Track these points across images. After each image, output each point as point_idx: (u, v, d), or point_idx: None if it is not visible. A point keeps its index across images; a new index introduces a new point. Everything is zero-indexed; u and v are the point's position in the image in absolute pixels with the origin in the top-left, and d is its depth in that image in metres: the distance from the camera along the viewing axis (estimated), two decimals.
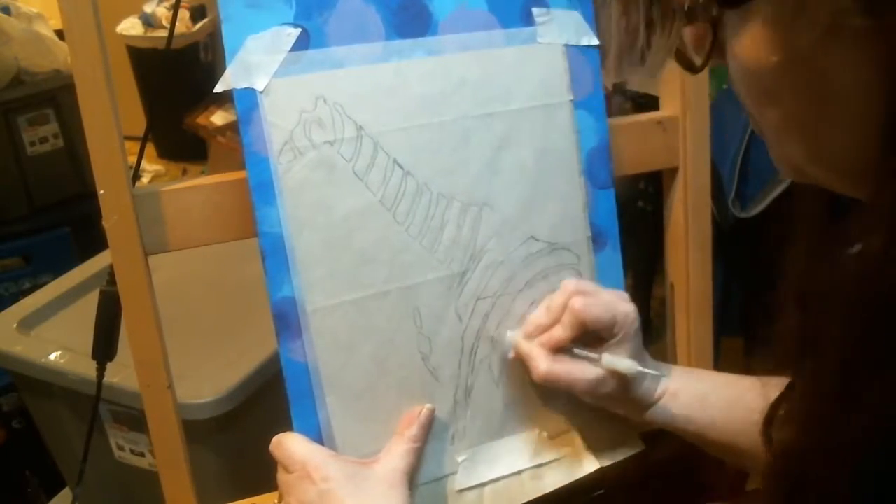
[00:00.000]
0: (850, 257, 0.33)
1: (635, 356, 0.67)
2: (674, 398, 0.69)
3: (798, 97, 0.36)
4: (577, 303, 0.65)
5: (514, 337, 0.68)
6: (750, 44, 0.36)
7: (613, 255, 0.74)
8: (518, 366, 0.70)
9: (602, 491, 0.73)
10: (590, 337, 0.67)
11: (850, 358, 0.34)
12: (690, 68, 0.43)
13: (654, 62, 0.42)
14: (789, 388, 0.47)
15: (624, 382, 0.66)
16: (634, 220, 2.00)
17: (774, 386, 0.47)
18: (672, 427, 0.69)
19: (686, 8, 0.37)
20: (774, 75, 0.36)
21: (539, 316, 0.68)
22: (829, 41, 0.33)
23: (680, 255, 0.80)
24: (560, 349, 0.66)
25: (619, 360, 0.65)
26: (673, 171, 0.79)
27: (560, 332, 0.66)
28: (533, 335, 0.67)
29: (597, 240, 0.72)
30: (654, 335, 2.20)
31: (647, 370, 0.67)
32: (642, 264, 2.13)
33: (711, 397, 0.68)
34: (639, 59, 0.42)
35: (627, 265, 0.74)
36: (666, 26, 0.40)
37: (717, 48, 0.39)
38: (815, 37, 0.33)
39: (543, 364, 0.65)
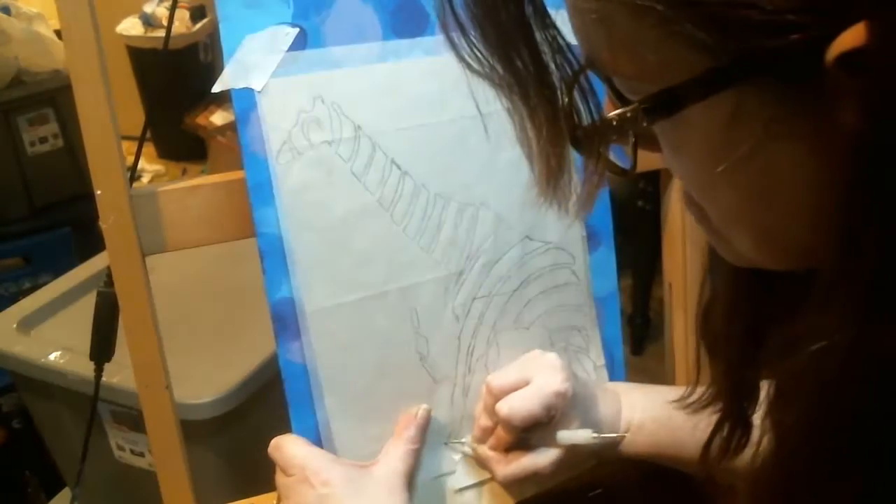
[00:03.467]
0: (810, 354, 0.30)
1: (587, 419, 0.65)
2: (640, 430, 0.67)
3: (742, 194, 0.34)
4: (503, 410, 0.63)
5: (471, 445, 0.68)
6: (686, 149, 0.34)
7: (608, 254, 0.74)
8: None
9: (600, 491, 0.73)
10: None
11: (813, 453, 0.32)
12: (623, 174, 0.39)
13: (588, 191, 0.38)
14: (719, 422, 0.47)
15: (585, 449, 0.65)
16: (634, 220, 2.00)
17: None
18: (642, 458, 0.68)
19: (614, 124, 0.34)
20: (714, 177, 0.33)
21: (483, 421, 0.67)
22: (766, 143, 0.30)
23: (677, 254, 0.80)
24: (513, 445, 0.65)
25: (574, 434, 0.64)
26: (670, 170, 0.79)
27: (504, 435, 0.65)
28: (483, 440, 0.67)
29: (591, 239, 0.73)
30: (654, 335, 2.21)
31: (604, 435, 0.65)
32: (642, 264, 2.13)
33: (677, 419, 0.65)
34: (569, 184, 0.38)
35: (628, 265, 0.74)
36: (593, 148, 0.36)
37: (647, 143, 0.37)
38: (752, 142, 0.31)
39: (498, 471, 0.65)
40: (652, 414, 0.67)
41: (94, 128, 0.62)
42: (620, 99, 0.35)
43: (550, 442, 0.64)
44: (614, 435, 0.66)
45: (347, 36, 0.64)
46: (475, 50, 0.36)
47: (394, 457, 0.64)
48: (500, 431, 0.65)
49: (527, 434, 0.64)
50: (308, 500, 0.60)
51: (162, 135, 2.51)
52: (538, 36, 0.35)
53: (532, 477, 0.65)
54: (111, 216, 0.63)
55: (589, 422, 0.65)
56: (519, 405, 0.63)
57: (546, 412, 0.63)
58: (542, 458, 0.64)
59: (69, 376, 1.09)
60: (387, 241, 0.65)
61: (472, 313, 0.68)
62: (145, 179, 2.47)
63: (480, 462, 0.67)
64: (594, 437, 0.63)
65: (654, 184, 1.53)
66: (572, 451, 0.65)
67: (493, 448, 0.66)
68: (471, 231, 0.68)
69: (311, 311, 0.64)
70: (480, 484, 0.70)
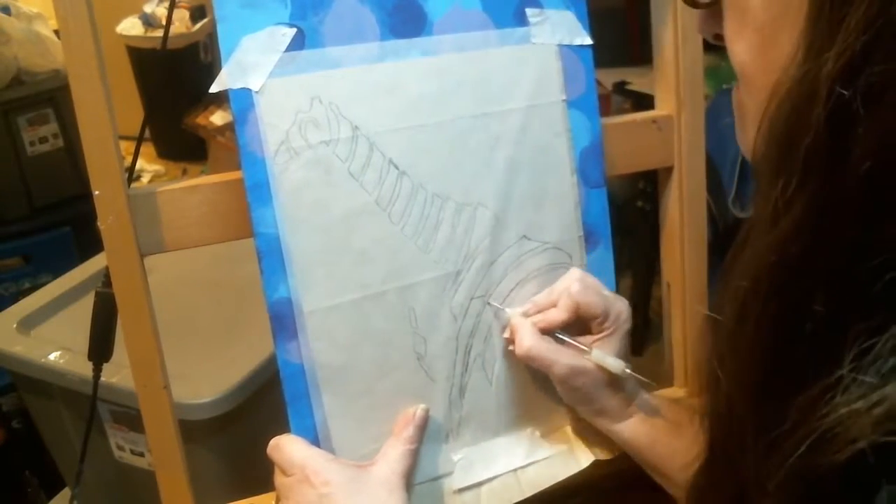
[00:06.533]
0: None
1: (621, 358, 0.67)
2: (643, 422, 0.68)
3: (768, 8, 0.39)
4: (575, 286, 0.67)
5: (512, 313, 0.68)
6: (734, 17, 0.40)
7: (605, 254, 0.74)
8: (511, 364, 0.70)
9: (597, 492, 0.73)
10: (582, 329, 0.68)
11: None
12: (693, 3, 0.46)
13: None
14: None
15: (600, 381, 0.66)
16: (634, 220, 2.00)
17: None
18: (627, 448, 0.69)
19: None
20: (754, 54, 0.40)
21: (541, 297, 0.69)
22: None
23: (676, 254, 0.80)
24: (551, 332, 0.67)
25: (609, 357, 0.66)
26: (668, 171, 0.79)
27: (554, 314, 0.67)
28: (530, 314, 0.68)
29: (589, 239, 0.73)
30: (653, 335, 2.21)
31: (637, 376, 0.66)
32: (642, 264, 2.13)
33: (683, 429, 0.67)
34: None
35: (627, 265, 0.74)
36: None
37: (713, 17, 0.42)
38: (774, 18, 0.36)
39: (528, 340, 0.65)
40: (661, 417, 0.69)
41: (93, 128, 0.62)
42: None
43: (581, 352, 0.66)
44: (645, 380, 0.68)
45: (345, 36, 0.64)
46: None
47: (392, 457, 0.64)
48: (550, 311, 0.67)
49: (564, 335, 0.67)
50: (308, 499, 0.60)
51: (161, 135, 2.51)
52: None
53: (546, 365, 0.65)
54: (109, 216, 0.63)
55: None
56: (591, 292, 0.67)
57: (604, 317, 0.67)
58: (564, 357, 0.65)
59: (69, 376, 1.09)
60: (384, 240, 0.65)
61: (470, 313, 0.68)
62: (145, 179, 2.47)
63: (513, 329, 0.67)
64: (624, 368, 0.65)
65: (653, 184, 1.53)
66: (586, 376, 0.66)
67: (535, 323, 0.67)
68: (468, 231, 0.68)
69: (308, 311, 0.64)
70: (479, 484, 0.70)
